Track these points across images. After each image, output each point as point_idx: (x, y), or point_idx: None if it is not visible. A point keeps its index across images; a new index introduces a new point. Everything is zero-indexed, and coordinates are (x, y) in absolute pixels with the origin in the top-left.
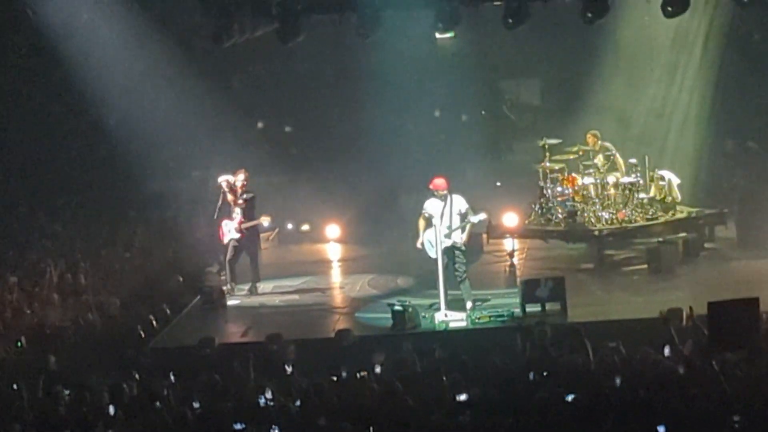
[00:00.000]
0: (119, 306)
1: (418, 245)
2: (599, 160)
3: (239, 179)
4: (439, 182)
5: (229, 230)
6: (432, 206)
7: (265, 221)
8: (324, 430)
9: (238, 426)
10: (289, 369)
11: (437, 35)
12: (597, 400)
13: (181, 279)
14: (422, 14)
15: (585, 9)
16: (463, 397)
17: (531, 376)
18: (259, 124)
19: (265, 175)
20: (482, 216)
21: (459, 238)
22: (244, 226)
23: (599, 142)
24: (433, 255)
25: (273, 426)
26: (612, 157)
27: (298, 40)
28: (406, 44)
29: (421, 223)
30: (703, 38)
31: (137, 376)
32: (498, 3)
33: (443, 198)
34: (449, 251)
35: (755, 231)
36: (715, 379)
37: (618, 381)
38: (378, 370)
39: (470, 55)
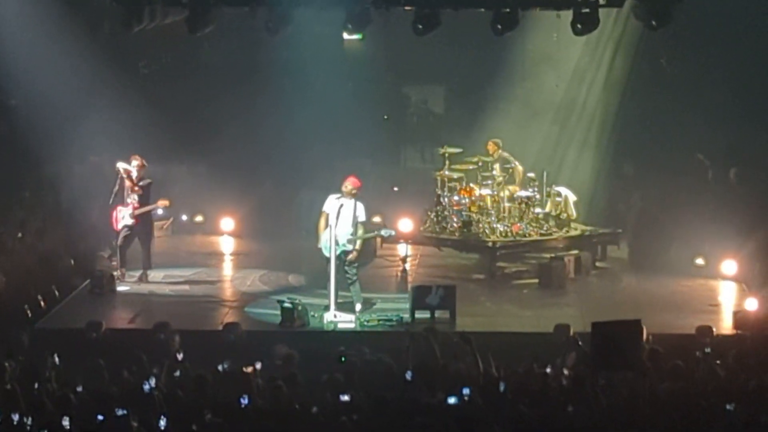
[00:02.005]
0: (5, 283)
1: (320, 245)
2: (497, 169)
3: (134, 165)
4: (351, 181)
5: (123, 216)
6: (330, 204)
7: (162, 204)
8: (208, 422)
9: (120, 411)
10: (179, 358)
11: (345, 36)
12: (479, 407)
13: (72, 262)
14: (332, 14)
15: (495, 20)
16: (346, 398)
17: (409, 376)
18: (162, 113)
19: (163, 164)
20: (392, 232)
21: (355, 243)
22: (138, 212)
23: (499, 150)
24: (328, 254)
25: (161, 416)
26: (511, 169)
27: (207, 31)
28: (314, 43)
29: (322, 222)
30: (609, 59)
31: (20, 356)
32: (409, 8)
33: (349, 197)
34: (344, 254)
35: (647, 253)
36: (595, 397)
37: (501, 390)
38: (259, 365)
39: (377, 58)
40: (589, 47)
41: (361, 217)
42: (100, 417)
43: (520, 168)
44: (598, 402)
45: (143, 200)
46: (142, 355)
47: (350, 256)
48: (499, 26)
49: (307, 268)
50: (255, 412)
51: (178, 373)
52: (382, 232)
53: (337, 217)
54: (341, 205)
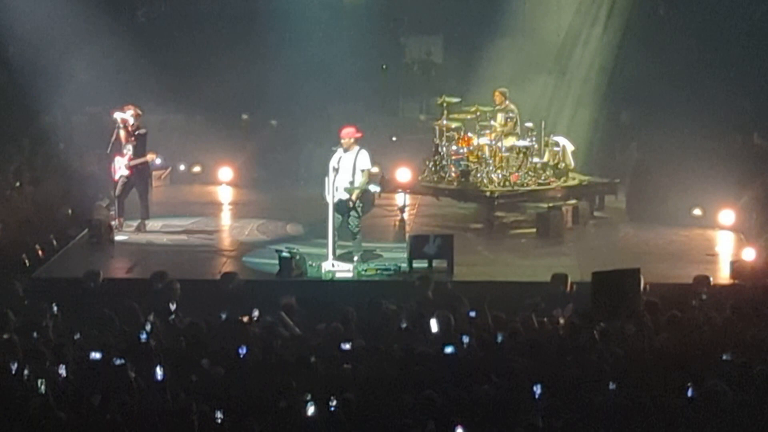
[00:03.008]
0: (3, 231)
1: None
2: (499, 119)
3: (128, 114)
4: (345, 131)
5: (120, 166)
6: (333, 158)
7: (150, 158)
8: (204, 372)
9: (118, 361)
10: (172, 307)
11: None
12: (477, 356)
13: (70, 211)
14: None
15: None
16: (347, 347)
17: (404, 325)
18: (160, 62)
19: (160, 114)
20: (378, 188)
21: (354, 195)
22: (132, 162)
23: (506, 101)
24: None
25: (157, 365)
26: (510, 121)
27: None
28: None
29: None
30: (608, 7)
31: (19, 305)
32: None
33: (347, 149)
34: (344, 204)
35: (644, 203)
36: (594, 346)
37: (499, 339)
38: (256, 313)
39: (376, 7)
40: None
41: (363, 165)
42: (96, 355)
43: (519, 120)
44: (595, 352)
45: (138, 150)
46: (137, 304)
47: (349, 202)
48: None
49: (306, 218)
50: (253, 362)
51: (173, 318)
52: (369, 188)
53: (338, 166)
54: (340, 157)
